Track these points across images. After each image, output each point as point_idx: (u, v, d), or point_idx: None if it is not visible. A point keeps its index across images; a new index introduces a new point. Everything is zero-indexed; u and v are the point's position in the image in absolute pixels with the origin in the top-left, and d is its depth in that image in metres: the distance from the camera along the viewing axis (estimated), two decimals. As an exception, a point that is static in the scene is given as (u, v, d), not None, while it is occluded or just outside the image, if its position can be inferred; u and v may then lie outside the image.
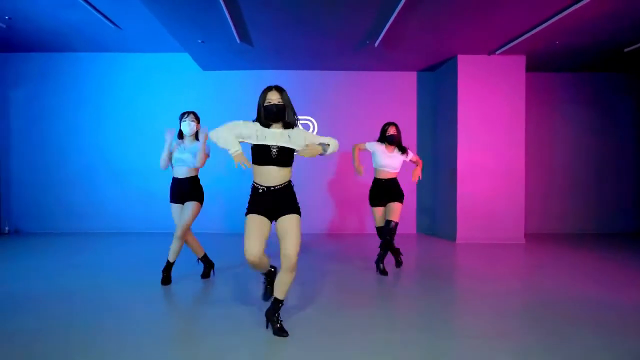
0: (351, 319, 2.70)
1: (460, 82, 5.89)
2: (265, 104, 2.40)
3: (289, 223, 2.38)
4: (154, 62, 6.61)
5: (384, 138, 3.91)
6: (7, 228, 6.46)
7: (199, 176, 3.64)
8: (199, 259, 3.77)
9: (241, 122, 2.45)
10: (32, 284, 3.46)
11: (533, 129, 6.83)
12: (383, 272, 3.87)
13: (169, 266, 3.54)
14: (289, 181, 2.48)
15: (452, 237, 6.07)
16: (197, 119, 3.58)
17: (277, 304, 2.45)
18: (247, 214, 2.43)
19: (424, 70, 6.80)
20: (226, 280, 3.66)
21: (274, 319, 2.43)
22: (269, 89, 2.44)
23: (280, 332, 2.39)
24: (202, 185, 3.64)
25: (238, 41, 5.14)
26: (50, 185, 6.58)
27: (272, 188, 2.40)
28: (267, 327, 2.48)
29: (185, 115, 3.51)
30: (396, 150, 3.91)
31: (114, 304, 2.99)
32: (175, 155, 3.51)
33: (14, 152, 6.59)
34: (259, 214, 2.39)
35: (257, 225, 2.36)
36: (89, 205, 6.60)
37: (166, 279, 3.52)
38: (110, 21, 5.12)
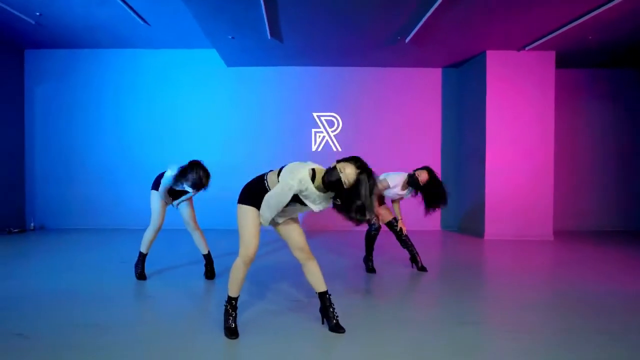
0: (389, 315, 2.69)
1: (489, 78, 5.83)
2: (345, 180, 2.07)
3: (291, 219, 2.42)
4: (177, 58, 6.60)
5: (413, 183, 3.56)
6: (32, 225, 6.49)
7: None
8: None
9: (295, 186, 2.13)
10: (47, 281, 3.41)
11: (560, 125, 6.75)
12: (422, 269, 3.87)
13: (207, 260, 3.55)
14: None
15: (479, 233, 6.03)
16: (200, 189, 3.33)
17: (325, 296, 2.42)
18: (247, 203, 2.30)
19: (448, 67, 6.75)
20: (259, 276, 3.62)
21: (330, 314, 2.40)
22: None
23: (337, 328, 2.36)
24: None
25: (269, 37, 5.11)
26: (74, 181, 6.62)
27: None
28: (322, 323, 2.46)
29: (193, 190, 3.26)
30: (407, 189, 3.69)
31: (150, 298, 3.00)
32: (181, 198, 3.46)
33: (38, 149, 6.62)
34: (258, 208, 2.30)
35: (258, 221, 2.30)
36: (112, 202, 6.63)
37: (209, 273, 3.52)
38: (141, 17, 5.12)
